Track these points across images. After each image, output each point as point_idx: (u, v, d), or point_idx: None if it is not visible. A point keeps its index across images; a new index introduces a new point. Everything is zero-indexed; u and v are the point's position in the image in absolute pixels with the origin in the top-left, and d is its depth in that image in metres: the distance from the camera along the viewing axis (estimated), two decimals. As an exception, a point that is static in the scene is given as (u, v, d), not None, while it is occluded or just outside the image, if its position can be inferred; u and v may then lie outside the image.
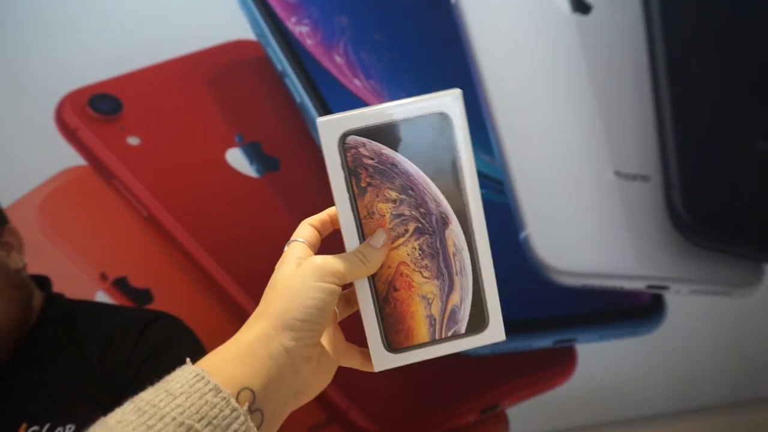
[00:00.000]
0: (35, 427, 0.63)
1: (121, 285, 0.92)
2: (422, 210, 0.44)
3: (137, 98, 0.93)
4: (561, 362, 1.10)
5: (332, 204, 0.44)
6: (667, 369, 1.14)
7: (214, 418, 0.33)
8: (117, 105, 0.92)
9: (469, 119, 0.43)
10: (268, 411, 0.36)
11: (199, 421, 0.32)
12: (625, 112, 1.09)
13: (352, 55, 0.98)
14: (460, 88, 0.44)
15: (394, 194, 0.43)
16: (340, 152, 0.42)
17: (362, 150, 0.43)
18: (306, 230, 0.44)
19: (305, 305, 0.37)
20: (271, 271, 0.41)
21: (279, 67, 0.96)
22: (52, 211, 0.90)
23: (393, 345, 0.44)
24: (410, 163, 0.43)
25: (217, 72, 0.96)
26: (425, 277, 0.44)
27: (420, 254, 0.44)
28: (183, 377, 0.35)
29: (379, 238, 0.42)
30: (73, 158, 0.90)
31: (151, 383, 0.67)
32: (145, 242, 0.93)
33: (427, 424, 1.05)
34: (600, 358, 1.11)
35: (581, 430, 1.11)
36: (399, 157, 0.43)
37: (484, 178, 1.02)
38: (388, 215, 0.43)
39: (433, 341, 0.45)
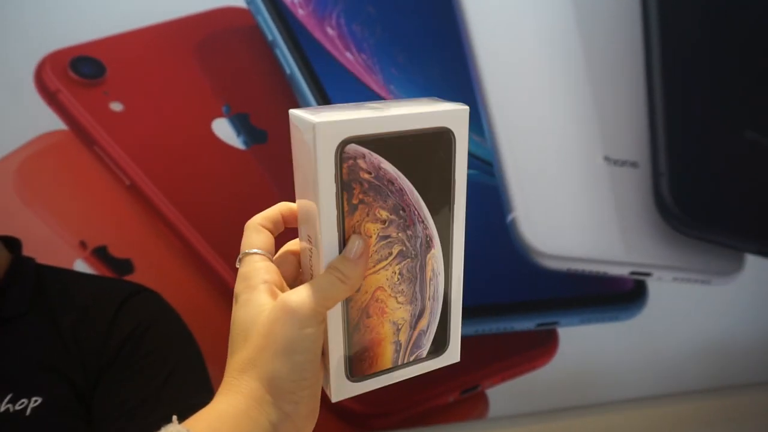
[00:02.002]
0: None
1: (101, 254, 0.90)
2: (409, 232, 0.39)
3: (121, 63, 0.90)
4: (542, 345, 1.11)
5: None
6: (645, 354, 1.15)
7: None
8: (100, 69, 0.89)
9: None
10: None
11: None
12: (617, 97, 1.08)
13: (344, 27, 0.96)
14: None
15: (384, 214, 0.38)
16: (336, 162, 0.35)
17: (361, 162, 0.36)
18: (260, 237, 0.37)
19: (296, 362, 0.33)
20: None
21: (269, 37, 0.94)
22: (30, 175, 0.87)
23: (354, 373, 0.40)
24: (406, 180, 0.38)
25: (205, 39, 0.93)
26: (399, 303, 0.40)
27: (399, 279, 0.40)
28: None
29: (354, 248, 0.35)
30: (54, 122, 0.88)
31: (133, 365, 0.64)
32: (126, 211, 0.91)
33: (408, 404, 1.06)
34: (581, 342, 1.12)
35: (560, 412, 1.12)
36: (397, 173, 0.37)
37: (474, 159, 1.01)
38: (374, 236, 0.38)
39: (395, 367, 0.42)
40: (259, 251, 0.37)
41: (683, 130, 1.11)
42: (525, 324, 1.08)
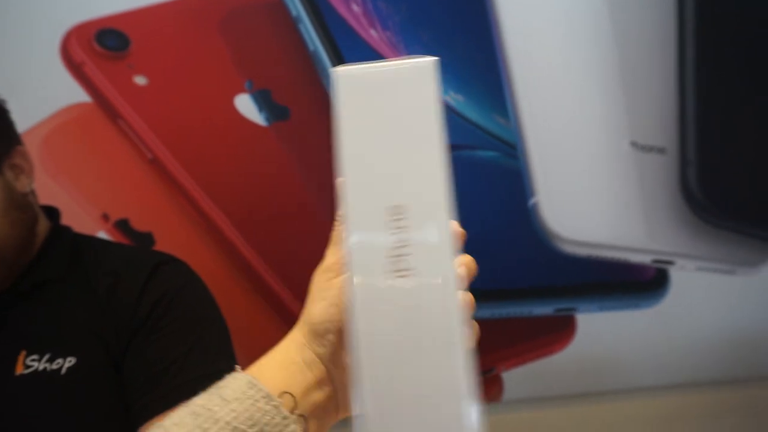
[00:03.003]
0: (35, 356, 0.62)
1: (122, 227, 0.91)
2: None
3: (146, 36, 0.90)
4: (559, 330, 1.10)
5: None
6: (664, 343, 1.14)
7: (266, 424, 0.33)
8: (124, 42, 0.89)
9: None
10: (312, 419, 0.36)
11: (252, 426, 0.33)
12: (647, 81, 1.05)
13: (369, 3, 0.95)
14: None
15: None
16: None
17: None
18: None
19: (323, 306, 0.36)
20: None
21: (294, 12, 0.93)
22: (55, 147, 0.88)
23: None
24: None
25: (229, 14, 0.93)
26: None
27: None
28: (235, 384, 0.35)
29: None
30: (79, 94, 0.88)
31: (162, 328, 0.66)
32: (148, 185, 0.92)
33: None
34: (599, 329, 1.11)
35: (575, 398, 1.12)
36: None
37: (497, 141, 1.00)
38: None
39: None
40: None
41: (714, 117, 1.08)
42: (543, 309, 1.07)
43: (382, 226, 0.28)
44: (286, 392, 0.35)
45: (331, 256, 0.37)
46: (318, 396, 0.36)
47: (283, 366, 0.36)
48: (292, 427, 0.34)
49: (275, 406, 0.34)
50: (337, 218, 0.38)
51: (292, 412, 0.35)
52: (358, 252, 0.28)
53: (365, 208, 0.28)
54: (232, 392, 0.34)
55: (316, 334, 0.36)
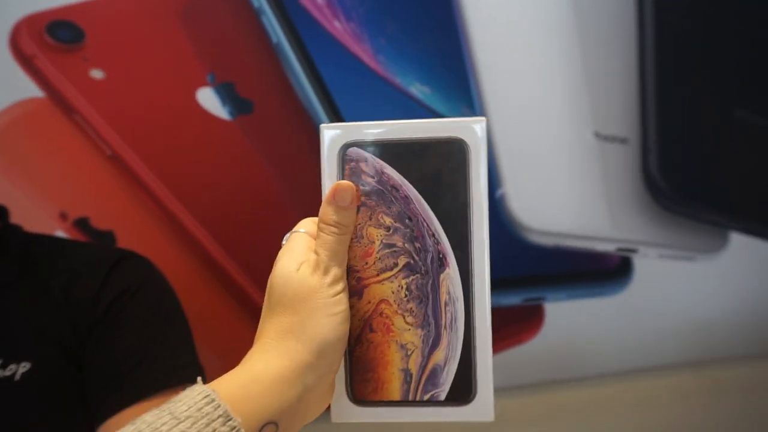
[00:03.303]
0: None
1: (82, 225, 0.88)
2: (417, 245, 0.38)
3: (101, 27, 0.87)
4: (528, 319, 1.12)
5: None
6: (630, 329, 1.16)
7: None
8: (78, 34, 0.86)
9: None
10: None
11: None
12: (609, 72, 1.07)
13: (333, -6, 0.94)
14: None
15: (388, 220, 0.38)
16: (338, 163, 0.38)
17: (363, 165, 0.38)
18: (309, 224, 0.39)
19: (335, 322, 0.35)
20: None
21: (255, 4, 0.91)
22: (6, 144, 0.85)
23: (357, 395, 0.39)
24: (413, 189, 0.38)
25: (189, 4, 0.90)
26: (408, 323, 0.38)
27: (406, 295, 0.38)
28: (191, 398, 0.31)
29: (346, 195, 0.37)
30: (30, 89, 0.85)
31: (125, 324, 0.65)
32: (108, 182, 0.89)
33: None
34: (567, 317, 1.12)
35: (545, 385, 1.14)
36: (402, 180, 0.38)
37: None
38: (377, 242, 0.38)
39: (405, 401, 0.39)
40: (302, 230, 0.39)
41: (674, 107, 1.10)
42: (512, 299, 1.08)
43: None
44: (272, 422, 0.32)
45: (335, 269, 0.36)
46: (301, 415, 0.35)
47: (279, 391, 0.33)
48: None
49: (233, 428, 0.30)
50: (338, 227, 0.37)
51: None
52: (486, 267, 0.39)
53: (486, 232, 0.39)
54: (186, 408, 0.31)
55: (325, 353, 0.35)
